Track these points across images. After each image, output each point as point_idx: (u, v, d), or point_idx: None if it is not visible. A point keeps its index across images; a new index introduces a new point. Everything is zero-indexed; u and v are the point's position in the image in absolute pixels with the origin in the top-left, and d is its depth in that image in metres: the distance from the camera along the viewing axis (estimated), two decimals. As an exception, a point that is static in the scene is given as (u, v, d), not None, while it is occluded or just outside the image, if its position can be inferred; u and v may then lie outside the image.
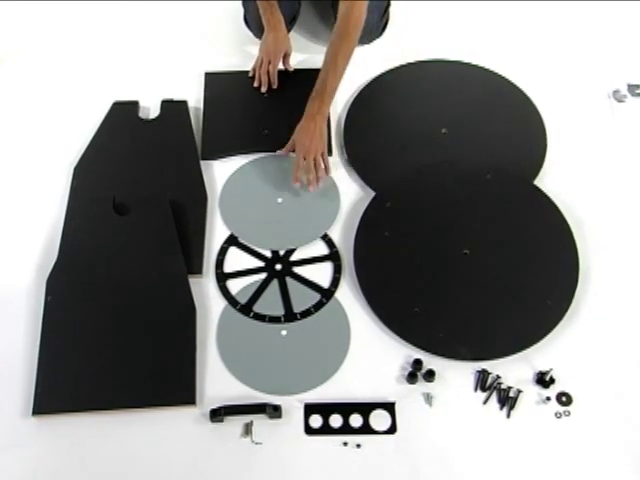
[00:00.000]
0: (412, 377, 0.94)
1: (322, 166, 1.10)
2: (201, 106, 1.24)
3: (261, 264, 1.06)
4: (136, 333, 0.97)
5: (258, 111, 1.24)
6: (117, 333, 0.97)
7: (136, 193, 1.10)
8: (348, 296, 1.03)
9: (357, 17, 1.11)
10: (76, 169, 1.15)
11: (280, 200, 1.10)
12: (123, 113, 1.22)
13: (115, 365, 0.94)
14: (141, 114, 1.23)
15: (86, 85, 1.29)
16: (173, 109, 1.22)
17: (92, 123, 1.20)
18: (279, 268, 1.05)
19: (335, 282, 1.04)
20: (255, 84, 1.26)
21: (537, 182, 1.13)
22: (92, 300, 1.00)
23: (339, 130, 1.21)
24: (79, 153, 1.17)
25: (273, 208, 1.10)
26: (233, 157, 1.18)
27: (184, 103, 1.23)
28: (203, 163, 1.16)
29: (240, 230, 1.08)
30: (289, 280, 1.04)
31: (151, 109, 1.24)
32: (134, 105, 1.23)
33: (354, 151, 1.18)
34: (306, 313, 1.01)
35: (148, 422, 0.91)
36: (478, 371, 0.95)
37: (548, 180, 1.14)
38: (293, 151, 1.13)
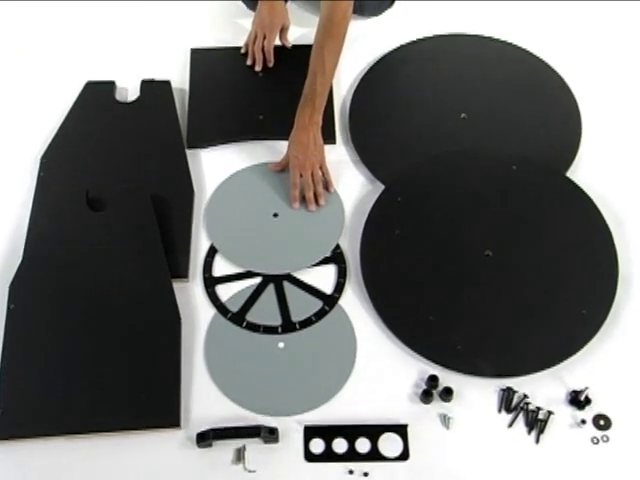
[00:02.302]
0: (427, 396, 0.93)
1: (322, 181, 1.10)
2: (187, 87, 1.24)
3: (255, 267, 1.07)
4: (112, 346, 0.96)
5: (252, 93, 1.24)
6: (90, 347, 0.96)
7: (112, 186, 1.10)
8: (354, 303, 1.02)
9: (344, 9, 1.09)
10: (43, 159, 1.14)
11: (275, 216, 1.10)
12: (97, 95, 1.21)
13: (88, 383, 0.94)
14: (118, 96, 1.22)
15: (55, 63, 1.28)
16: (154, 90, 1.22)
17: (62, 106, 1.19)
18: (275, 272, 1.06)
19: (339, 287, 1.04)
20: (248, 62, 1.26)
21: (570, 174, 1.13)
22: (61, 308, 0.99)
23: (344, 115, 1.21)
24: (47, 141, 1.16)
25: (268, 225, 1.09)
26: (223, 145, 1.18)
27: (167, 84, 1.23)
28: (189, 152, 1.16)
29: (229, 250, 1.07)
30: (287, 285, 1.04)
31: (129, 90, 1.23)
32: (110, 86, 1.23)
33: (361, 139, 1.18)
34: (306, 323, 1.00)
35: (126, 448, 0.91)
36: (502, 389, 0.95)
37: (582, 171, 1.13)
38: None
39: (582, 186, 1.10)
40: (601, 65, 1.28)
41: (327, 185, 1.11)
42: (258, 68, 1.25)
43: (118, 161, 1.14)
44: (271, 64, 1.25)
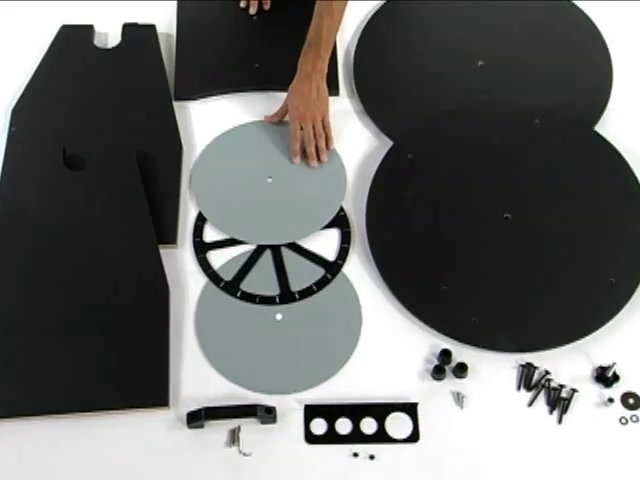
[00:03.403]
0: (439, 372, 0.91)
1: (324, 135, 1.06)
2: (174, 32, 1.20)
3: (251, 231, 1.05)
4: (94, 319, 0.94)
5: (246, 38, 1.20)
6: (70, 320, 0.94)
7: (92, 142, 1.07)
8: (359, 271, 1.00)
9: None
10: (15, 112, 1.11)
11: (270, 180, 1.07)
12: (74, 40, 1.17)
13: (68, 359, 0.92)
14: (97, 42, 1.19)
15: (25, 4, 1.23)
16: (138, 35, 1.18)
17: (34, 53, 1.16)
18: (273, 236, 1.04)
19: (343, 254, 1.01)
20: (242, 4, 1.22)
21: (598, 128, 1.10)
22: (38, 278, 0.97)
23: (347, 64, 1.18)
24: (18, 91, 1.13)
25: (261, 190, 1.06)
26: (215, 97, 1.15)
27: (152, 28, 1.19)
28: (177, 104, 1.13)
29: (218, 218, 1.04)
30: (285, 251, 1.02)
31: (110, 35, 1.20)
32: (88, 30, 1.19)
33: (367, 90, 1.14)
34: (306, 292, 0.98)
35: (111, 429, 0.89)
36: (522, 365, 0.93)
37: (612, 125, 1.10)
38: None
39: (612, 141, 1.07)
40: (635, 5, 1.22)
41: (327, 141, 1.07)
42: (253, 11, 1.20)
43: (98, 114, 1.11)
44: (267, 6, 1.21)
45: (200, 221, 1.04)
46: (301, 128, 1.06)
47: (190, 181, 1.07)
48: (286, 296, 0.98)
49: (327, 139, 1.07)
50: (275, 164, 1.08)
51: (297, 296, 0.98)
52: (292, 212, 1.05)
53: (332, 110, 1.10)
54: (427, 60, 1.17)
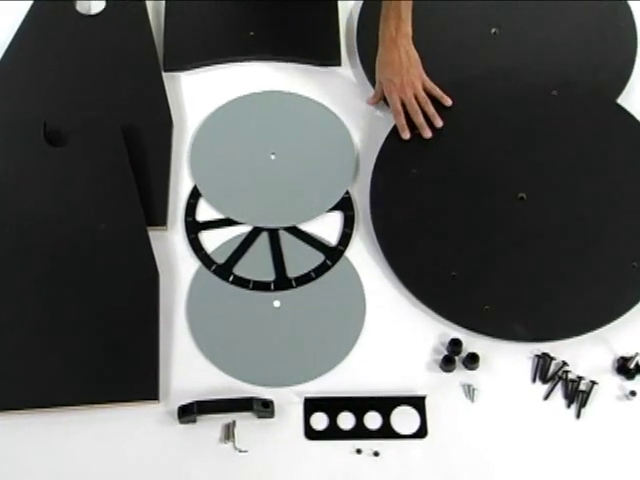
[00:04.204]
0: (448, 363, 0.90)
1: (429, 100, 1.03)
2: None
3: (247, 212, 1.03)
4: (78, 307, 0.93)
5: (240, 4, 1.18)
6: (52, 308, 0.93)
7: (75, 116, 1.05)
8: (362, 256, 0.99)
9: None
10: None
11: (273, 157, 1.05)
12: (54, 6, 1.15)
13: (51, 350, 0.91)
14: (79, 7, 1.16)
15: None
16: (124, 0, 1.15)
17: (11, 20, 1.13)
18: (270, 218, 1.02)
19: (345, 239, 1.00)
20: None
21: (621, 100, 1.08)
22: (16, 264, 0.96)
23: (350, 31, 1.16)
24: None
25: (263, 167, 1.04)
26: (207, 67, 1.13)
27: None
28: (166, 75, 1.12)
29: (215, 196, 1.02)
30: (283, 234, 1.00)
31: (93, 1, 1.17)
32: None
33: (372, 60, 1.10)
34: (304, 279, 0.96)
35: (97, 424, 0.88)
36: (537, 355, 0.91)
37: (636, 97, 1.08)
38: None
39: (635, 114, 1.05)
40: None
41: (441, 100, 1.04)
42: (248, -26, 1.19)
43: (81, 86, 1.09)
44: (263, -32, 1.20)
45: (193, 199, 1.02)
46: (402, 102, 1.03)
47: (188, 153, 1.05)
48: (282, 282, 0.96)
49: (440, 98, 1.04)
50: (280, 139, 1.06)
51: (294, 283, 0.96)
52: (295, 192, 1.03)
53: (333, 82, 1.08)
54: (436, 27, 1.14)
